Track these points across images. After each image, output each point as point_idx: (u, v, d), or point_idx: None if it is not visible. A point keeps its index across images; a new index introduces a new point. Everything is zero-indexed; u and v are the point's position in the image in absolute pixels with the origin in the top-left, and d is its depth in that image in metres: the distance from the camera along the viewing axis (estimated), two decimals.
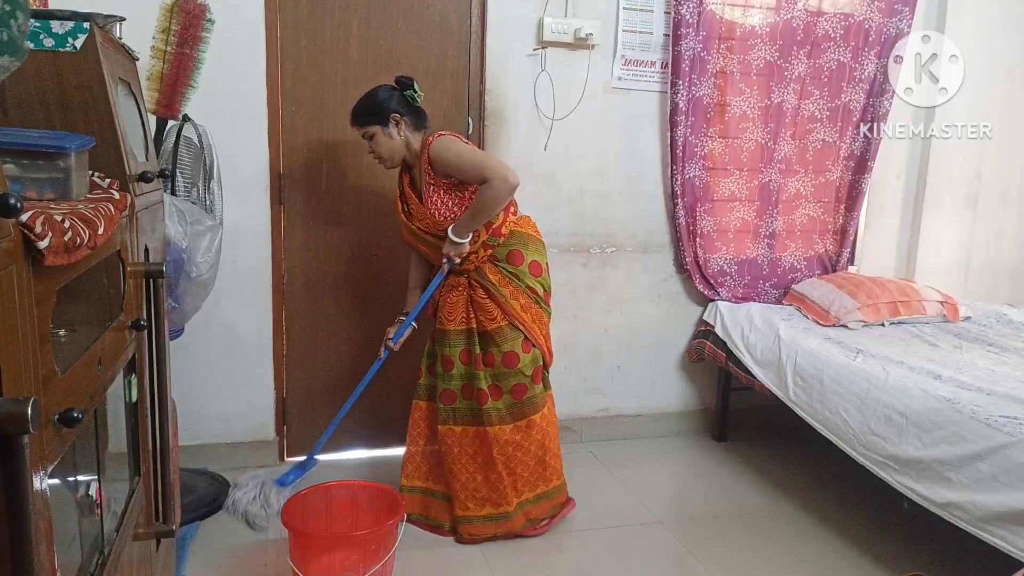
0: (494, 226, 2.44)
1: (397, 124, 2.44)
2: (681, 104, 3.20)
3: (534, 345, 2.49)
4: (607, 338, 3.37)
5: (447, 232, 2.40)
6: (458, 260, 2.44)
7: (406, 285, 3.13)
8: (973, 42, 3.52)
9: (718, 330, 3.29)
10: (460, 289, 2.49)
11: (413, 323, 2.64)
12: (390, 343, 2.61)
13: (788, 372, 2.83)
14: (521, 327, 2.45)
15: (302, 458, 2.75)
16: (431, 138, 2.42)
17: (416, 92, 2.46)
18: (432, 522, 2.57)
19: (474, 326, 2.46)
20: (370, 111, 2.45)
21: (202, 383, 2.88)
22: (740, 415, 3.49)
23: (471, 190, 2.43)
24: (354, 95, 2.92)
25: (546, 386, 2.61)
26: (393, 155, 2.48)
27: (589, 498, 2.71)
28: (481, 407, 2.45)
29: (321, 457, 3.11)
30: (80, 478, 1.09)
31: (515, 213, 2.54)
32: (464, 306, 2.48)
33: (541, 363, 2.54)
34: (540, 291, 2.51)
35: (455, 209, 2.44)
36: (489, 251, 2.47)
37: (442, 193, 2.45)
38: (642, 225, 3.36)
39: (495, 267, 2.47)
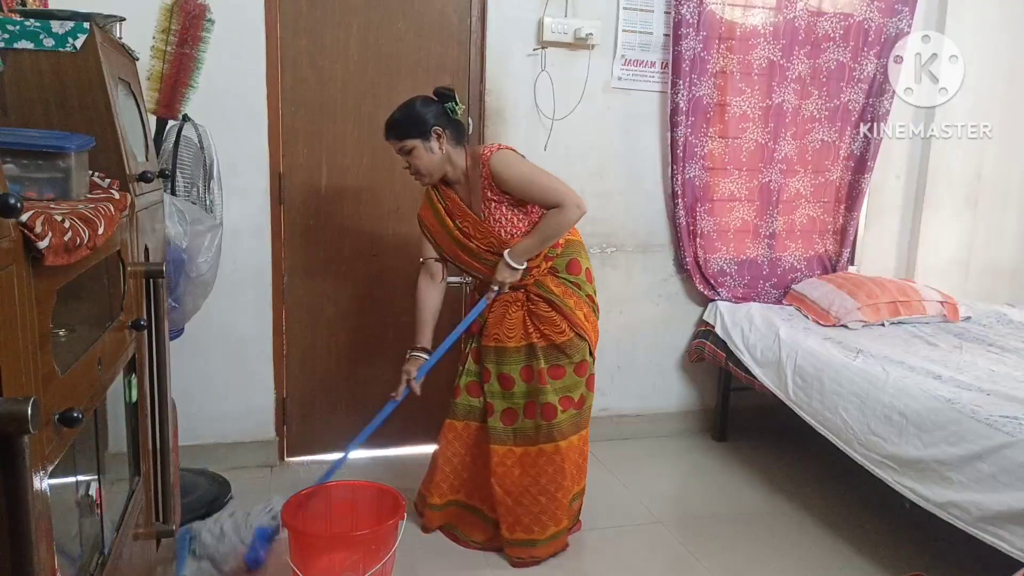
0: None
1: (439, 138, 2.30)
2: (681, 104, 3.20)
3: (591, 352, 2.45)
4: (607, 338, 3.36)
5: (503, 255, 2.30)
6: (507, 289, 2.36)
7: (407, 286, 3.12)
8: (973, 42, 3.52)
9: (718, 330, 3.29)
10: (518, 305, 2.37)
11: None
12: (413, 383, 2.42)
13: (788, 372, 2.83)
14: (586, 336, 2.39)
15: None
16: (487, 152, 2.31)
17: (457, 104, 2.33)
18: (462, 535, 2.52)
19: (535, 341, 2.34)
20: (410, 124, 2.30)
21: (202, 383, 2.88)
22: (740, 415, 3.49)
23: (535, 205, 2.35)
24: (354, 95, 2.93)
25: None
26: (433, 171, 2.34)
27: (590, 498, 2.70)
28: (550, 422, 2.34)
29: (321, 457, 3.12)
30: (80, 478, 1.09)
31: None
32: (522, 322, 2.36)
33: (594, 370, 2.51)
34: (596, 298, 2.49)
35: (520, 225, 2.34)
36: (549, 262, 2.39)
37: (505, 209, 2.33)
38: (642, 225, 3.36)
39: (557, 279, 2.39)
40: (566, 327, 2.34)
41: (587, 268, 2.46)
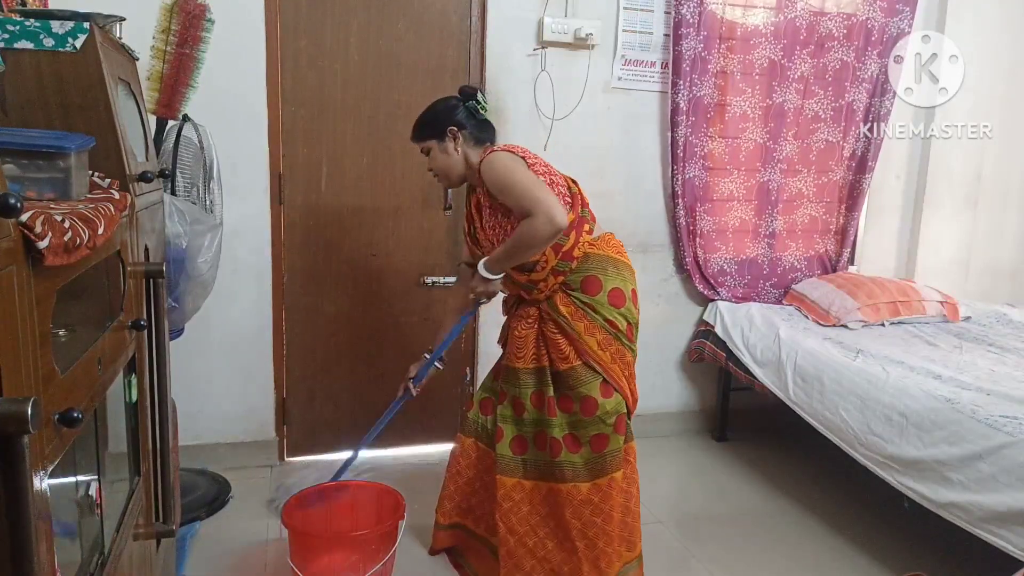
0: (564, 248, 2.08)
1: (454, 138, 2.15)
2: (682, 104, 3.20)
3: (615, 388, 2.14)
4: None
5: (478, 264, 2.12)
6: (486, 300, 2.21)
7: (407, 286, 3.12)
8: (973, 42, 3.52)
9: (718, 330, 3.29)
10: (530, 321, 2.16)
11: (437, 364, 2.39)
12: (410, 385, 2.37)
13: (788, 372, 2.83)
14: (599, 367, 2.10)
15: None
16: (485, 153, 2.10)
17: (479, 103, 2.18)
18: (467, 565, 2.34)
19: (546, 364, 2.13)
20: (427, 124, 2.19)
21: (202, 383, 2.88)
22: (740, 415, 3.49)
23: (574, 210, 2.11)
24: (354, 95, 2.93)
25: (629, 436, 2.25)
26: (449, 173, 2.19)
27: None
28: (554, 459, 2.11)
29: (321, 457, 3.13)
30: (80, 478, 1.09)
31: (590, 232, 2.16)
32: (535, 341, 2.15)
33: (624, 410, 2.19)
34: (622, 324, 2.14)
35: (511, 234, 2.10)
36: (560, 278, 2.11)
37: (499, 216, 2.12)
38: (642, 225, 3.36)
39: (568, 297, 2.11)
40: (571, 353, 2.10)
41: (614, 289, 2.12)
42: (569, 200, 2.13)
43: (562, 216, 1.97)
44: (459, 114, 2.17)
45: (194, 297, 2.33)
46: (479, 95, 2.20)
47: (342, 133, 2.95)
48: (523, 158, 2.07)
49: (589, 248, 2.13)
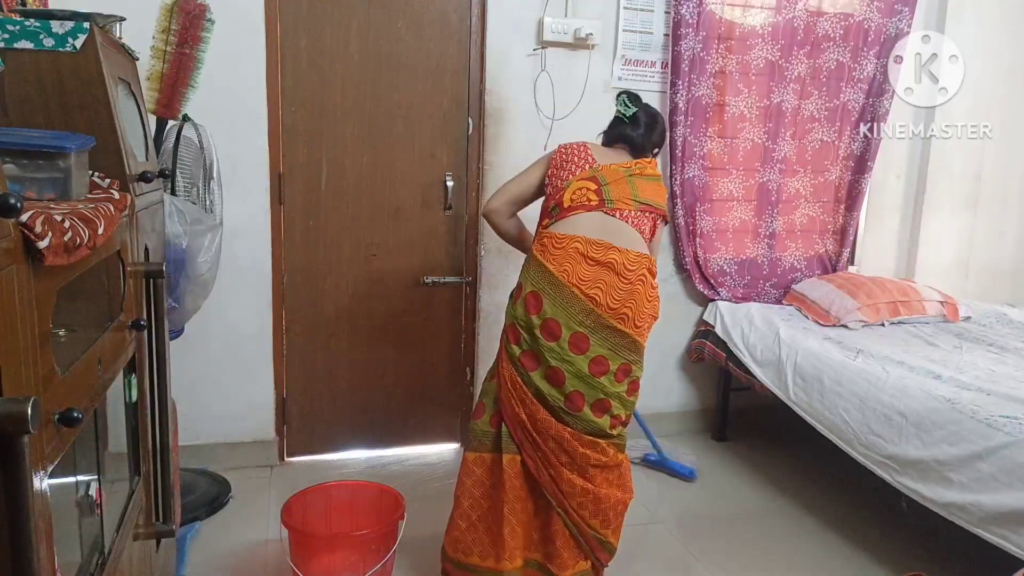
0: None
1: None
2: (680, 104, 3.20)
3: (497, 374, 2.12)
4: None
5: None
6: None
7: (407, 286, 3.12)
8: (973, 42, 3.52)
9: (718, 330, 3.29)
10: None
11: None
12: None
13: (788, 372, 2.83)
14: (498, 371, 2.13)
15: None
16: None
17: (617, 103, 2.22)
18: None
19: None
20: None
21: (202, 383, 2.88)
22: (740, 415, 3.49)
23: (545, 206, 2.17)
24: (354, 95, 2.93)
25: (498, 446, 2.10)
26: None
27: None
28: None
29: (321, 457, 3.13)
30: (80, 478, 1.09)
31: (546, 226, 2.13)
32: None
33: (488, 398, 2.13)
34: (505, 320, 2.11)
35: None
36: None
37: None
38: None
39: None
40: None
41: (518, 283, 2.08)
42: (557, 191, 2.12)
43: (490, 202, 2.21)
44: (615, 118, 2.25)
45: (194, 297, 2.33)
46: (618, 97, 2.24)
47: (342, 133, 2.95)
48: (554, 155, 2.17)
49: (535, 244, 2.12)
